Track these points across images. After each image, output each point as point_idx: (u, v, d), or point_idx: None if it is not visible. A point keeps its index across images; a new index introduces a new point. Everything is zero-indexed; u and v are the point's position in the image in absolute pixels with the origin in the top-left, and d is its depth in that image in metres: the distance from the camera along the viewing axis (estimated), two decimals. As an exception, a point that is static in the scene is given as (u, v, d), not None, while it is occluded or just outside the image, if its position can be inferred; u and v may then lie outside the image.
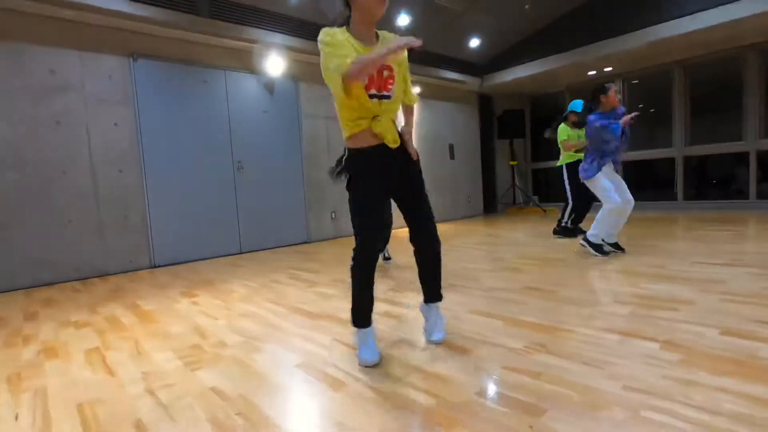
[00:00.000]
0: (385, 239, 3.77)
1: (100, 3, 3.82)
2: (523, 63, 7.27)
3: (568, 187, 4.51)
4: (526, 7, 6.27)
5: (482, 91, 8.17)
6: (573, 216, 4.56)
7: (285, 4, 4.96)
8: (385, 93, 1.65)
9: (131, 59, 4.25)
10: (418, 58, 6.76)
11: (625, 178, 3.75)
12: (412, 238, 1.86)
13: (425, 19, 6.06)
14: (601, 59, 6.54)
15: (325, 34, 1.57)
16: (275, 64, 5.19)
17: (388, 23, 5.87)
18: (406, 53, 1.72)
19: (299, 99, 5.57)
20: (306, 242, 5.66)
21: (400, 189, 1.77)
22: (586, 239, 3.62)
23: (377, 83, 1.63)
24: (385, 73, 1.65)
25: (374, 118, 1.65)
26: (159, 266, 4.43)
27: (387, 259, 3.92)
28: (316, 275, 3.59)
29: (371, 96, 1.61)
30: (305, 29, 5.29)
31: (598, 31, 6.34)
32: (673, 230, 4.86)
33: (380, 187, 1.71)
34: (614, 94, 3.55)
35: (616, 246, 3.62)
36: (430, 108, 7.37)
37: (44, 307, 3.02)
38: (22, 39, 3.68)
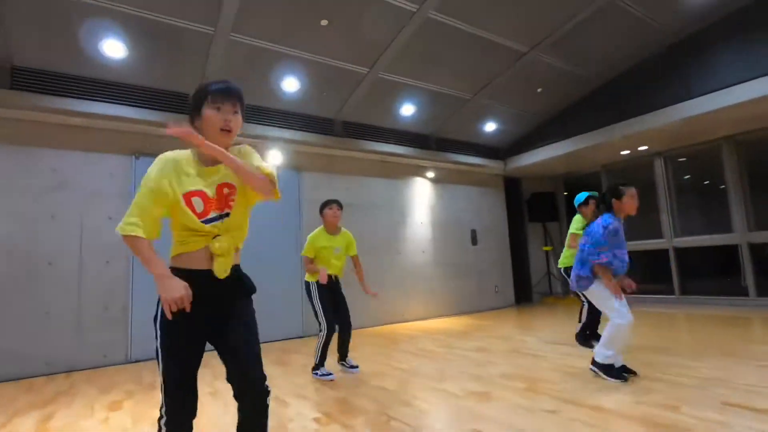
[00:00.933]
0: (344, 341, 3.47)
1: (106, 110, 4.20)
2: (548, 144, 6.90)
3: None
4: (539, 90, 6.07)
5: (508, 173, 7.81)
6: (588, 318, 3.80)
7: (285, 101, 5.19)
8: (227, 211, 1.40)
9: (134, 157, 4.53)
10: (433, 144, 6.68)
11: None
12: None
13: (432, 108, 6.05)
14: (630, 138, 6.00)
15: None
16: (278, 156, 5.32)
17: (392, 116, 5.92)
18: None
19: (300, 188, 5.58)
20: (301, 337, 5.27)
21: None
22: (596, 363, 2.88)
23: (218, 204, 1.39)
24: (225, 190, 1.41)
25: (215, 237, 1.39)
26: (137, 361, 4.25)
27: (352, 367, 3.44)
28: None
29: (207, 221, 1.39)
30: (306, 123, 5.45)
31: (623, 108, 5.91)
32: (749, 334, 3.86)
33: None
34: (632, 200, 2.83)
35: (625, 369, 2.85)
36: (448, 192, 7.10)
37: (-25, 410, 2.87)
38: (32, 143, 4.07)
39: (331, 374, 3.22)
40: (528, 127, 7.18)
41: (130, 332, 4.29)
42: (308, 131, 5.46)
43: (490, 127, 6.89)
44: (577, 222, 3.89)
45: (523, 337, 4.54)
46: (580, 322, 3.87)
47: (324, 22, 4.11)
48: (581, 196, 3.90)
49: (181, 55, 4.18)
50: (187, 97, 4.67)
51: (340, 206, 3.44)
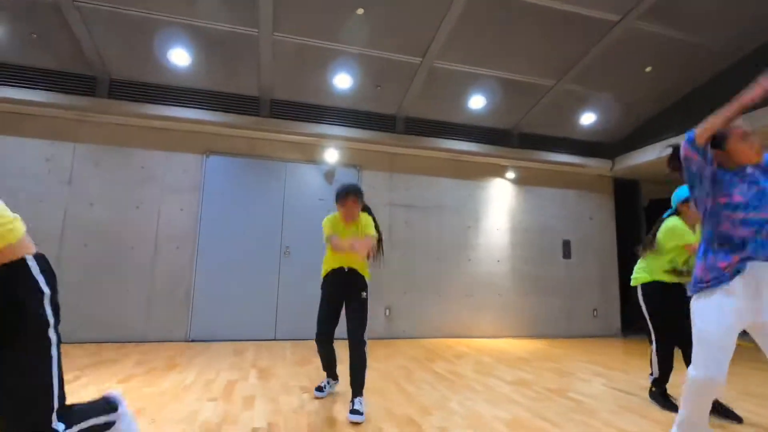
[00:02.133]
0: None
1: (180, 114, 4.72)
2: (670, 137, 5.50)
3: (646, 315, 2.83)
4: (647, 70, 4.85)
5: (618, 175, 6.49)
6: (660, 368, 2.77)
7: (344, 98, 5.15)
8: None
9: (204, 156, 5.00)
10: (515, 140, 5.94)
11: None
12: None
13: (507, 98, 5.34)
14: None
15: None
16: (335, 154, 5.32)
17: (460, 109, 5.42)
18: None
19: (360, 186, 5.46)
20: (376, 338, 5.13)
21: None
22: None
23: None
24: None
25: None
26: (194, 341, 4.66)
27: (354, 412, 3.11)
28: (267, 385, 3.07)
29: None
30: (365, 119, 5.33)
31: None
32: None
33: None
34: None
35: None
36: (534, 196, 6.21)
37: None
38: (126, 144, 4.79)
39: (319, 391, 2.78)
40: (641, 117, 5.85)
41: (190, 314, 4.71)
42: (367, 128, 5.33)
43: (587, 119, 5.80)
44: (678, 227, 2.70)
45: (591, 377, 3.61)
46: (651, 374, 2.86)
47: (360, 11, 3.94)
48: (684, 192, 2.76)
49: (236, 58, 4.47)
50: (246, 98, 4.98)
51: (356, 196, 2.64)
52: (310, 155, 5.34)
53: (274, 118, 5.04)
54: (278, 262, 5.07)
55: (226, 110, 4.87)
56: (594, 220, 6.46)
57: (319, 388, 2.80)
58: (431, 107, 5.44)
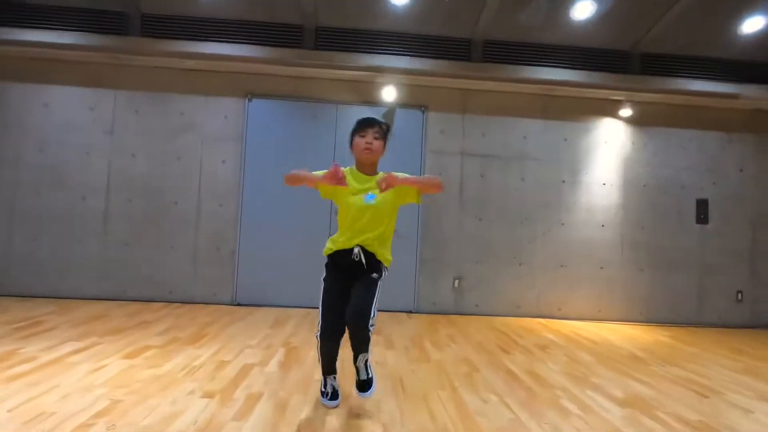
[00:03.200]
0: None
1: (218, 50, 4.12)
2: None
3: None
4: None
5: (789, 109, 4.64)
6: None
7: (404, 20, 4.13)
8: None
9: (246, 99, 4.40)
10: (636, 65, 4.45)
11: None
12: None
13: (630, 4, 3.87)
14: None
15: None
16: (394, 92, 4.38)
17: (558, 26, 4.07)
18: None
19: (425, 131, 4.51)
20: (411, 312, 4.40)
21: None
22: None
23: None
24: None
25: None
26: (240, 305, 4.29)
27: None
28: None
29: None
30: (431, 46, 4.27)
31: None
32: None
33: None
34: None
35: None
36: (658, 140, 4.70)
37: (98, 319, 3.23)
38: (163, 89, 4.36)
39: (332, 399, 2.02)
40: None
41: (236, 276, 4.32)
42: (434, 57, 4.27)
43: (752, 25, 4.06)
44: None
45: (754, 402, 2.43)
46: None
47: None
48: None
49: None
50: (287, 26, 4.20)
51: (382, 131, 1.93)
52: (364, 94, 4.47)
53: (320, 50, 4.21)
54: (329, 220, 4.42)
55: (265, 43, 4.15)
56: (745, 173, 4.76)
57: (333, 395, 2.04)
58: (516, 26, 4.18)
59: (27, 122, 4.24)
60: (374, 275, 1.91)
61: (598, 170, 4.62)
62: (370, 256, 1.91)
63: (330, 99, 4.46)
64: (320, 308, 1.94)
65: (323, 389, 2.06)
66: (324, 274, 2.01)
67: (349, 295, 1.89)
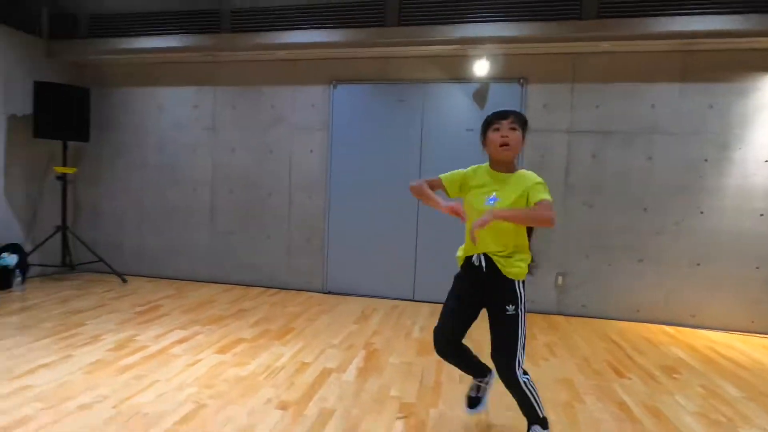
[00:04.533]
0: None
1: (302, 38, 4.05)
2: None
3: None
4: None
5: None
6: None
7: (498, -21, 3.58)
8: None
9: (331, 86, 4.31)
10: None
11: None
12: None
13: None
14: None
15: None
16: (486, 66, 3.89)
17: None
18: None
19: (524, 106, 3.95)
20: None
21: None
22: None
23: None
24: None
25: None
26: (331, 293, 4.37)
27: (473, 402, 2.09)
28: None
29: None
30: (530, 7, 3.65)
31: None
32: None
33: None
34: None
35: None
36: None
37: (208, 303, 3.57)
38: (255, 82, 4.46)
39: (470, 407, 1.94)
40: None
41: (326, 266, 4.38)
42: (535, 19, 3.65)
43: None
44: None
45: None
46: None
47: None
48: None
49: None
50: (368, 3, 3.92)
51: (519, 120, 1.69)
52: (453, 71, 4.06)
53: (404, 26, 3.88)
54: (416, 210, 4.20)
55: (347, 25, 3.96)
56: None
57: (474, 402, 1.93)
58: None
59: (147, 125, 4.72)
60: (510, 308, 1.63)
61: (757, 144, 3.60)
62: (494, 270, 1.67)
63: (416, 78, 4.13)
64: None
65: (471, 393, 1.97)
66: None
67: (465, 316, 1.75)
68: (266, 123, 4.46)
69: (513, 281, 1.64)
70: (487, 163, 1.76)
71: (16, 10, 4.24)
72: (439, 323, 1.79)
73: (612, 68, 3.79)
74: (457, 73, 4.04)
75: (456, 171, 1.80)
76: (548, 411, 2.09)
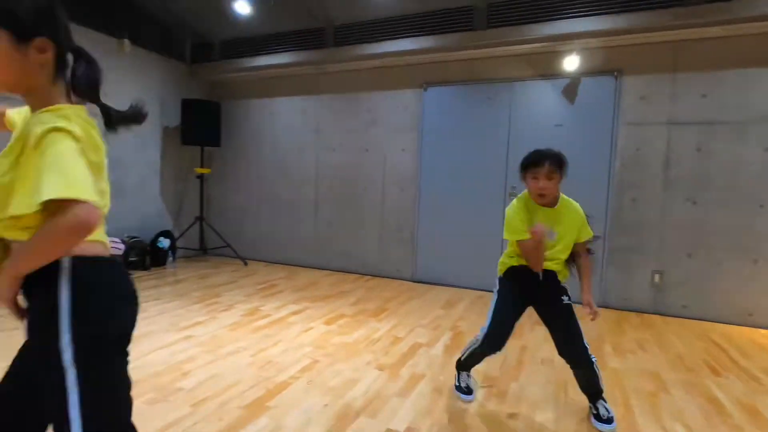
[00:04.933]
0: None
1: (396, 47, 4.43)
2: None
3: None
4: None
5: None
6: None
7: (590, -27, 3.57)
8: None
9: (422, 89, 4.62)
10: None
11: None
12: None
13: None
14: None
15: None
16: (575, 60, 3.89)
17: None
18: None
19: (619, 100, 3.86)
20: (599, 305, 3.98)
21: None
22: None
23: None
24: None
25: None
26: (421, 282, 4.71)
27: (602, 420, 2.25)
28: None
29: None
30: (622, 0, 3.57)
31: None
32: None
33: None
34: None
35: None
36: None
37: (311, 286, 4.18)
38: (354, 89, 4.95)
39: (468, 394, 2.13)
40: None
41: (415, 255, 4.73)
42: (629, 10, 3.57)
43: None
44: None
45: None
46: None
47: None
48: None
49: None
50: (457, 10, 4.15)
51: (557, 166, 1.77)
52: (543, 67, 4.11)
53: (492, 28, 4.04)
54: (503, 204, 4.34)
55: (437, 32, 4.23)
56: None
57: (469, 390, 2.15)
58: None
59: (263, 129, 5.50)
60: (564, 298, 1.92)
61: None
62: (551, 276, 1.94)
63: (504, 77, 4.26)
64: (490, 317, 2.02)
65: (459, 384, 2.18)
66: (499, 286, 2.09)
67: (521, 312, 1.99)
68: (363, 125, 4.93)
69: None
70: (528, 195, 1.90)
71: (168, 42, 5.25)
72: (499, 323, 1.96)
73: (722, 54, 3.54)
74: (547, 70, 4.08)
75: (516, 219, 1.85)
76: (627, 397, 2.19)
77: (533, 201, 1.88)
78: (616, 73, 3.87)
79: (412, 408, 2.01)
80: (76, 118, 0.86)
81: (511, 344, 2.83)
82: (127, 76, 4.75)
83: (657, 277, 3.80)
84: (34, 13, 0.85)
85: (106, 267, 0.93)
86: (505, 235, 1.91)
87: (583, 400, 2.03)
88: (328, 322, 3.21)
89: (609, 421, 1.87)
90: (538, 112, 4.17)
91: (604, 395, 1.95)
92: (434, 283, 4.61)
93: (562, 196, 1.90)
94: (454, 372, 2.26)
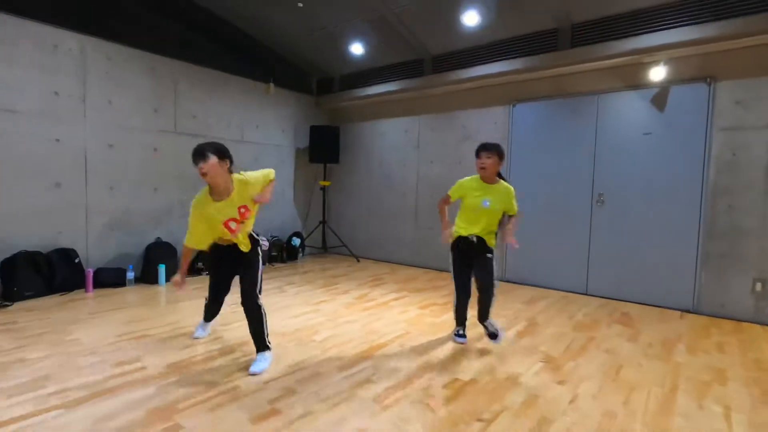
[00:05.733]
0: None
1: (486, 70, 4.98)
2: None
3: None
4: None
5: None
6: None
7: (674, -12, 3.70)
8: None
9: (511, 106, 5.07)
10: None
11: None
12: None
13: None
14: None
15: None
16: (663, 71, 3.99)
17: None
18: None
19: (712, 106, 3.86)
20: (688, 311, 4.00)
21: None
22: None
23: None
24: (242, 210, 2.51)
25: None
26: (508, 281, 5.14)
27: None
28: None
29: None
30: (712, 6, 3.61)
31: None
32: None
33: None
34: None
35: None
36: None
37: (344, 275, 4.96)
38: (451, 109, 5.60)
39: (463, 337, 3.07)
40: None
41: (504, 257, 5.17)
42: (718, 18, 3.59)
43: None
44: None
45: None
46: None
47: None
48: None
49: (519, -3, 4.11)
50: (543, 34, 4.53)
51: (492, 152, 2.85)
52: (630, 78, 4.27)
53: (577, 47, 4.34)
54: (590, 210, 4.56)
55: (524, 54, 4.67)
56: None
57: (461, 335, 3.07)
58: None
59: (372, 147, 6.46)
60: (489, 255, 2.91)
61: None
62: (482, 241, 2.91)
63: (591, 90, 4.51)
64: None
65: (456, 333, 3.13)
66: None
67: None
68: (457, 140, 5.55)
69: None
70: (478, 176, 2.93)
71: (300, 80, 6.54)
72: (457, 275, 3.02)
73: (834, 52, 3.36)
74: (633, 81, 4.24)
75: (458, 184, 3.02)
76: (677, 383, 2.47)
77: (481, 177, 2.92)
78: (709, 79, 3.88)
79: (476, 367, 2.60)
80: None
81: (579, 335, 3.21)
82: (272, 111, 6.12)
83: (759, 286, 3.69)
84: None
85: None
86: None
87: (629, 381, 2.38)
88: (422, 308, 3.91)
89: (494, 335, 2.89)
90: (626, 121, 4.32)
91: (491, 318, 2.96)
92: (521, 283, 4.99)
93: (501, 182, 2.93)
94: (520, 350, 2.76)
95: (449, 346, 2.95)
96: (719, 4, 3.60)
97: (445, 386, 2.35)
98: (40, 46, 4.01)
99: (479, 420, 2.01)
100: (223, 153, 2.38)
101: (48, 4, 4.10)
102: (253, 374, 2.39)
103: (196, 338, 2.94)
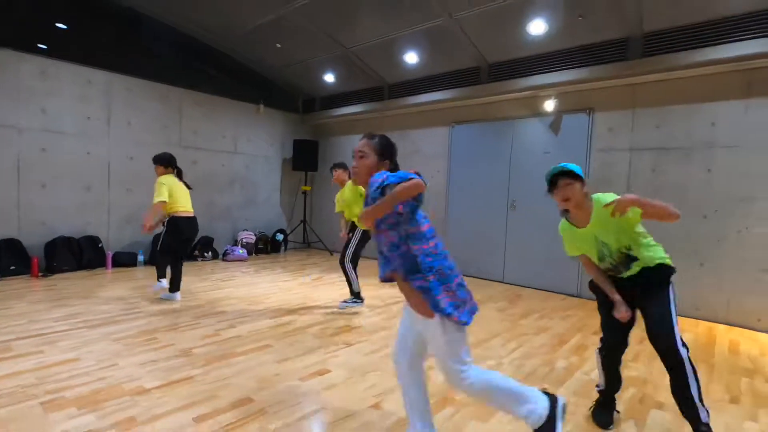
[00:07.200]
0: None
1: (431, 98, 6.08)
2: None
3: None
4: None
5: None
6: None
7: (554, 42, 4.73)
8: None
9: (451, 127, 6.15)
10: None
11: None
12: None
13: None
14: None
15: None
16: (552, 104, 5.01)
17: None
18: None
19: (591, 132, 4.86)
20: (573, 295, 4.99)
21: None
22: None
23: None
24: None
25: None
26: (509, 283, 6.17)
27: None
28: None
29: None
30: (584, 55, 4.63)
31: None
32: None
33: None
34: None
35: None
36: None
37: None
38: (406, 127, 6.69)
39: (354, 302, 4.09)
40: None
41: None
42: (591, 64, 4.60)
43: None
44: None
45: None
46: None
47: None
48: None
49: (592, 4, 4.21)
50: (466, 71, 5.59)
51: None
52: (534, 108, 5.30)
53: (493, 82, 5.40)
54: (506, 213, 5.59)
55: (455, 86, 5.75)
56: None
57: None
58: (686, 6, 3.92)
59: (347, 158, 7.59)
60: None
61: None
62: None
63: (507, 116, 5.54)
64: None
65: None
66: None
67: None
68: (408, 153, 6.64)
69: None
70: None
71: (287, 101, 7.76)
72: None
73: (669, 94, 4.34)
74: (537, 110, 5.26)
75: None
76: (509, 334, 3.48)
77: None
78: (588, 111, 4.88)
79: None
80: None
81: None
82: (261, 128, 7.34)
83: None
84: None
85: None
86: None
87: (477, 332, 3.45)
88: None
89: None
90: (532, 143, 5.36)
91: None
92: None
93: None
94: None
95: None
96: (595, 53, 4.61)
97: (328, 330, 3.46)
98: (78, 82, 5.32)
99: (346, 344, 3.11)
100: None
101: (82, 50, 5.42)
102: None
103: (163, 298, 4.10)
